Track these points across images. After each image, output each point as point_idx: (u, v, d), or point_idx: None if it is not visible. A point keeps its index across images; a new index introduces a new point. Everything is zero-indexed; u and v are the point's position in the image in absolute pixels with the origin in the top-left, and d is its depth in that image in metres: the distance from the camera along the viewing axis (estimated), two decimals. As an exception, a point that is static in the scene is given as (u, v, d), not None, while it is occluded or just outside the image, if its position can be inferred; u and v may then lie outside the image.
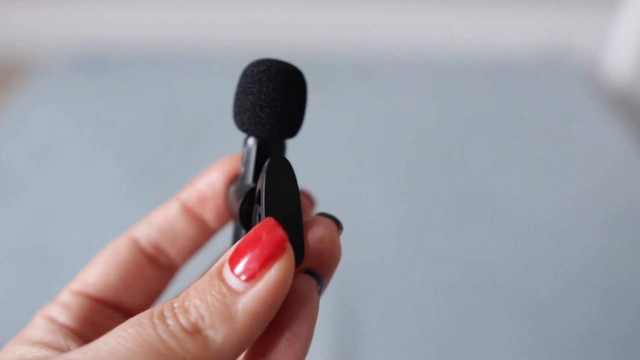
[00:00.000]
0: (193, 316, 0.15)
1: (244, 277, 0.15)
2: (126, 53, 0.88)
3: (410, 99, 0.77)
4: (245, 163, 0.20)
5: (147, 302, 0.21)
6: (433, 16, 0.90)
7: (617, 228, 0.54)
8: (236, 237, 0.21)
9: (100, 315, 0.20)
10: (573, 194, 0.59)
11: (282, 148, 0.20)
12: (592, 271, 0.49)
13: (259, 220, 0.18)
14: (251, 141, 0.20)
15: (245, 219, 0.19)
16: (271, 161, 0.18)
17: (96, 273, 0.20)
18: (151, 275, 0.21)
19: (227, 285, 0.15)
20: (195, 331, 0.15)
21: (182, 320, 0.15)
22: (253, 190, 0.19)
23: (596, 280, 0.48)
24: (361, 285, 0.47)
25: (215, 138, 0.67)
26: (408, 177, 0.61)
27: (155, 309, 0.15)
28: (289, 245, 0.16)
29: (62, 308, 0.19)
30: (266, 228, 0.16)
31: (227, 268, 0.15)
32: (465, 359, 0.42)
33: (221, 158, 0.23)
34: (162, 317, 0.15)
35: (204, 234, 0.22)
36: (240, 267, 0.15)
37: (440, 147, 0.66)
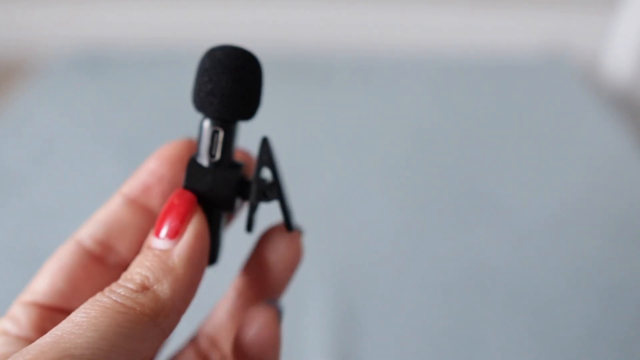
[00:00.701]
0: (138, 279, 0.17)
1: (170, 236, 0.18)
2: (126, 53, 0.88)
3: (410, 99, 0.77)
4: (200, 142, 0.21)
5: None
6: (433, 16, 0.90)
7: (617, 228, 0.54)
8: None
9: (53, 322, 0.19)
10: (573, 194, 0.59)
11: (234, 128, 0.21)
12: (592, 271, 0.49)
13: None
14: (206, 123, 0.21)
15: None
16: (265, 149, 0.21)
17: (43, 281, 0.21)
18: (100, 275, 0.21)
19: (158, 249, 0.18)
20: (144, 289, 0.17)
21: (130, 285, 0.17)
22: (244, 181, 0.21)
23: (596, 280, 0.48)
24: (361, 285, 0.47)
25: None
26: (408, 177, 0.61)
27: (103, 290, 0.17)
28: (197, 204, 0.19)
29: (12, 321, 0.19)
30: (176, 195, 0.20)
31: (152, 238, 0.19)
32: (465, 359, 0.42)
33: (157, 149, 0.23)
34: (111, 290, 0.17)
35: (153, 222, 0.23)
36: (164, 232, 0.18)
37: (440, 147, 0.66)
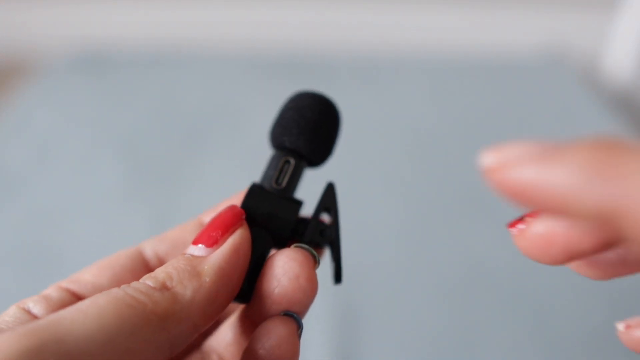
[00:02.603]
0: (161, 277, 0.16)
1: (206, 244, 0.17)
2: (126, 54, 0.88)
3: (410, 99, 0.77)
4: (267, 169, 0.21)
5: None
6: (433, 16, 0.90)
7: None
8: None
9: None
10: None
11: (303, 166, 0.21)
12: (592, 271, 0.49)
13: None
14: (279, 152, 0.21)
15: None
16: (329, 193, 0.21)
17: (88, 273, 0.20)
18: None
19: (191, 255, 0.17)
20: (163, 287, 0.16)
21: (149, 282, 0.16)
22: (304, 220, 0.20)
23: (597, 280, 0.48)
24: (361, 286, 0.47)
25: (215, 138, 0.67)
26: (408, 177, 0.61)
27: (121, 285, 0.16)
28: (244, 219, 0.19)
29: (40, 300, 0.18)
30: (226, 207, 0.19)
31: (190, 246, 0.18)
32: (465, 359, 0.42)
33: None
34: (128, 285, 0.16)
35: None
36: (203, 239, 0.17)
37: (440, 147, 0.66)
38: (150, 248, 0.21)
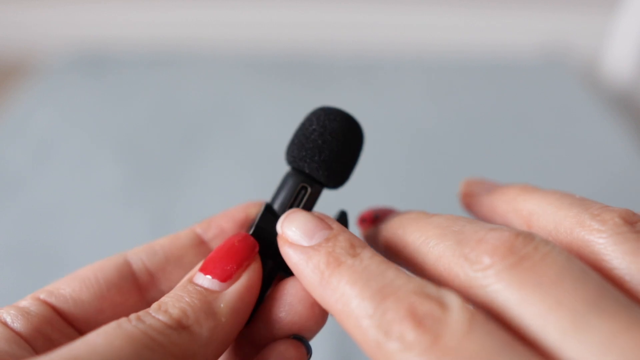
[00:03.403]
0: (175, 314, 0.15)
1: (220, 278, 0.16)
2: (126, 53, 0.88)
3: (410, 99, 0.77)
4: (280, 194, 0.20)
5: None
6: (433, 16, 0.90)
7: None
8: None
9: (60, 333, 0.18)
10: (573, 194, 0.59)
11: (319, 193, 0.21)
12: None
13: None
14: (296, 178, 0.20)
15: None
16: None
17: (70, 286, 0.18)
18: (131, 305, 0.19)
19: (203, 287, 0.16)
20: (179, 327, 0.15)
21: (163, 318, 0.15)
22: None
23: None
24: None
25: (215, 138, 0.67)
26: (408, 178, 0.61)
27: (129, 316, 0.15)
28: (258, 254, 0.18)
29: (19, 314, 0.17)
30: (238, 237, 0.18)
31: (199, 274, 0.17)
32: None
33: (249, 201, 0.22)
34: (140, 319, 0.15)
35: None
36: (215, 271, 0.17)
37: (440, 147, 0.66)
38: (138, 260, 0.20)
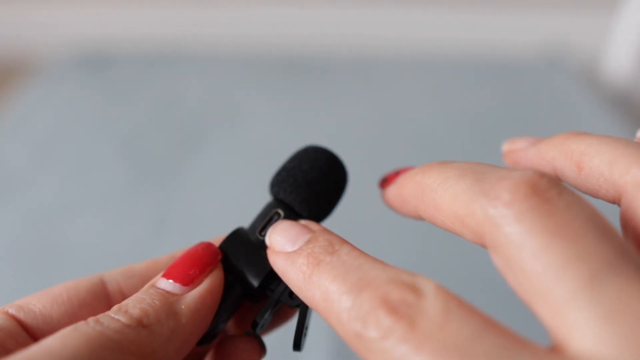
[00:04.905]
0: (135, 314, 0.15)
1: (182, 282, 0.17)
2: (126, 52, 0.88)
3: (410, 98, 0.77)
4: (256, 218, 0.21)
5: None
6: (433, 16, 0.90)
7: (617, 228, 0.54)
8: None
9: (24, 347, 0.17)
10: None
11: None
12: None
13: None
14: (272, 202, 0.21)
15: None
16: None
17: (41, 302, 0.18)
18: None
19: (165, 290, 0.17)
20: (139, 325, 0.15)
21: (123, 319, 0.15)
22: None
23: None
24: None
25: (215, 138, 0.67)
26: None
27: (87, 319, 0.15)
28: (220, 261, 0.18)
29: None
30: (202, 245, 0.18)
31: (161, 279, 0.17)
32: None
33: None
34: (98, 320, 0.15)
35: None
36: (177, 275, 0.17)
37: (439, 147, 0.66)
38: (114, 282, 0.19)
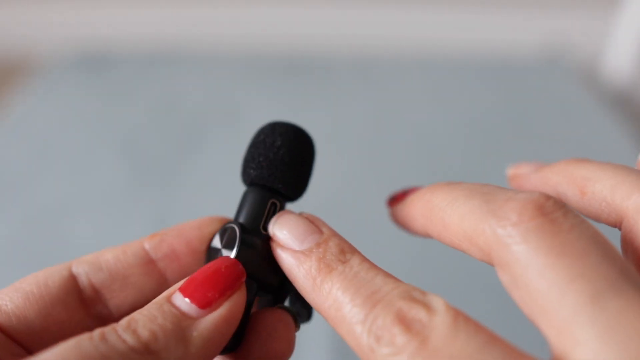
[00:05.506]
0: (144, 337, 0.14)
1: (199, 304, 0.16)
2: (126, 52, 0.88)
3: (410, 98, 0.77)
4: (249, 212, 0.20)
5: None
6: (433, 16, 0.90)
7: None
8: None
9: (3, 350, 0.17)
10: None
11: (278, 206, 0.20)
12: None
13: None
14: (263, 194, 0.20)
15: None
16: None
17: (14, 302, 0.17)
18: (77, 321, 0.18)
19: (179, 310, 0.15)
20: (146, 351, 0.14)
21: (131, 340, 0.14)
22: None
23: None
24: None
25: (214, 137, 0.67)
26: (407, 177, 0.61)
27: (93, 332, 0.14)
28: (244, 282, 0.17)
29: None
30: (226, 262, 0.17)
31: (178, 295, 0.16)
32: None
33: (202, 217, 0.20)
34: (104, 337, 0.14)
35: (160, 292, 0.19)
36: (195, 295, 0.16)
37: (439, 147, 0.66)
38: (83, 274, 0.19)
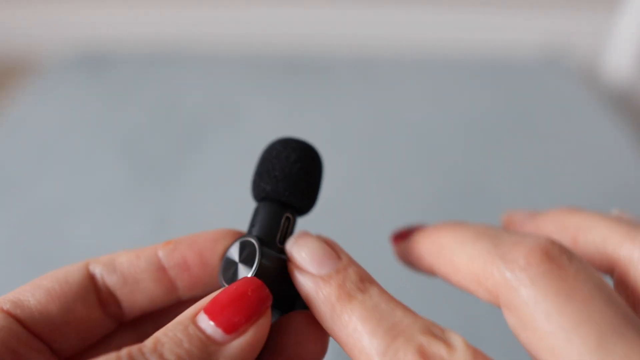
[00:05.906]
0: None
1: (225, 329, 0.15)
2: (126, 53, 0.88)
3: (410, 98, 0.77)
4: (264, 226, 0.20)
5: (79, 345, 0.19)
6: (433, 16, 0.90)
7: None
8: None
9: (26, 346, 0.17)
10: (573, 194, 0.59)
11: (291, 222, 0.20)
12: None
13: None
14: (276, 208, 0.20)
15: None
16: None
17: (35, 298, 0.18)
18: (95, 319, 0.19)
19: (205, 334, 0.15)
20: None
21: None
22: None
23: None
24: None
25: (215, 137, 0.67)
26: (407, 177, 0.61)
27: (120, 352, 0.14)
28: (269, 306, 0.17)
29: None
30: (252, 285, 0.16)
31: (203, 317, 0.16)
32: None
33: (217, 229, 0.20)
34: (132, 358, 0.14)
35: (169, 300, 0.20)
36: (221, 318, 0.15)
37: (439, 147, 0.66)
38: (99, 277, 0.19)
